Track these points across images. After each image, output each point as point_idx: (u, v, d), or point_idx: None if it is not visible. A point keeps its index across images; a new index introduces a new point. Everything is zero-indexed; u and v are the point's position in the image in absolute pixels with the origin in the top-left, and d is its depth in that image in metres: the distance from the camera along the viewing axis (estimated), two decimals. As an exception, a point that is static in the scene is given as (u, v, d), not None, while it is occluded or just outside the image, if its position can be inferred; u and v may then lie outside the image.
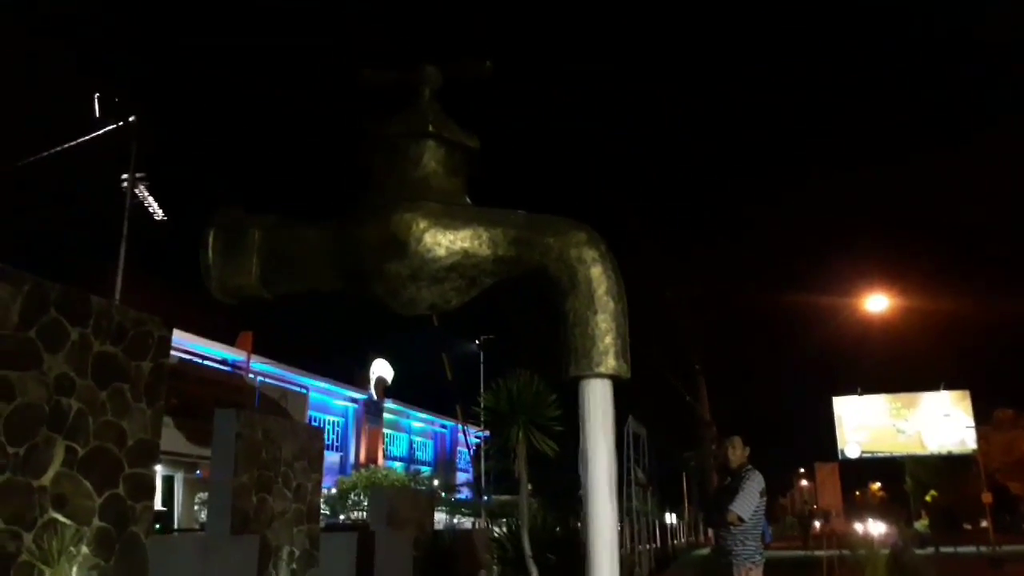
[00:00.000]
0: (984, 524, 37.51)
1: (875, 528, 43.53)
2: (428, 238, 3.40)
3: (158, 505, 13.59)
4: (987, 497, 34.28)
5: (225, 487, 5.19)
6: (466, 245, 3.45)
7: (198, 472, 13.71)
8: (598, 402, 3.41)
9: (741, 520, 5.22)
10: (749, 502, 5.27)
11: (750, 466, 5.50)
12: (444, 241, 3.42)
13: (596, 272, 3.47)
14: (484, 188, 3.83)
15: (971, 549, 36.58)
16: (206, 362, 14.34)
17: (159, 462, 13.40)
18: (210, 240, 3.83)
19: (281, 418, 7.21)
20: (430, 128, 3.55)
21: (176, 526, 14.28)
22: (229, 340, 21.62)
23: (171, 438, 12.24)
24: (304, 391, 14.23)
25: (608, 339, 3.42)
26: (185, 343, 16.47)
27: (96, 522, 4.08)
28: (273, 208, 4.00)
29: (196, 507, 15.11)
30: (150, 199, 16.30)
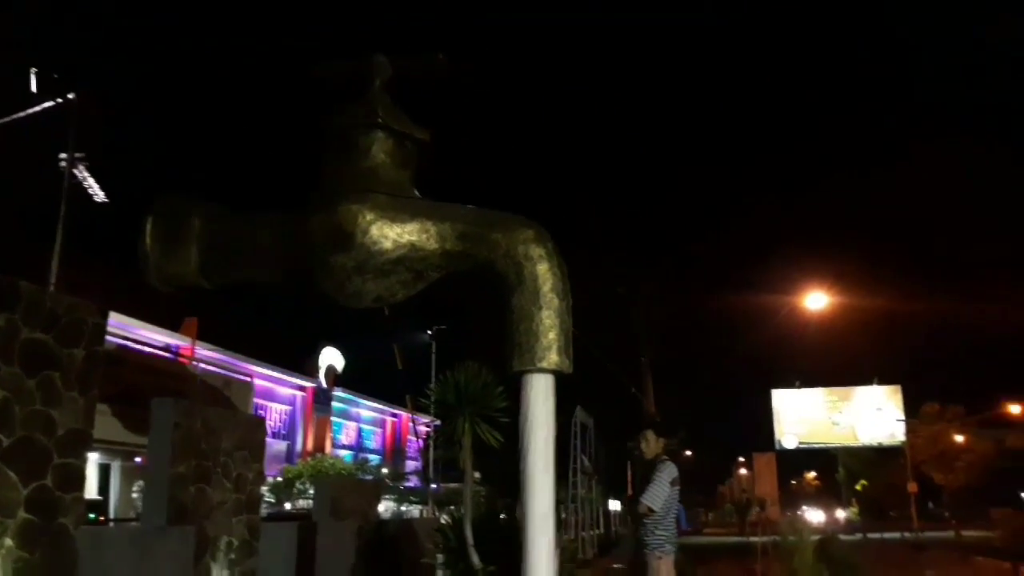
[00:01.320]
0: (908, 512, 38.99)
1: (813, 516, 44.89)
2: (375, 230, 3.38)
3: (93, 494, 13.29)
4: (912, 487, 35.67)
5: (162, 477, 5.08)
6: (413, 239, 3.44)
7: (137, 460, 13.37)
8: (540, 396, 3.45)
9: (652, 510, 5.32)
10: (659, 492, 5.36)
11: (664, 457, 5.61)
12: (391, 234, 3.40)
13: (542, 269, 3.49)
14: (435, 182, 3.81)
15: (896, 535, 38.08)
16: (147, 349, 13.99)
17: (93, 451, 13.05)
18: (148, 227, 3.75)
19: (222, 408, 7.09)
20: (379, 119, 3.52)
21: (112, 515, 13.92)
22: (173, 326, 21.12)
23: (108, 426, 11.92)
24: (248, 379, 14.04)
25: (552, 335, 3.46)
26: (127, 328, 16.04)
27: (22, 514, 3.96)
28: (219, 198, 3.93)
29: (134, 495, 14.75)
30: (90, 180, 15.76)
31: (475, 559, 6.38)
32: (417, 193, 3.65)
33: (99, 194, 15.83)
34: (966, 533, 33.16)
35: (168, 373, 12.45)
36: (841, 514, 49.32)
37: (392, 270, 3.50)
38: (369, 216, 3.38)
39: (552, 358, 3.44)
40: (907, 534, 36.68)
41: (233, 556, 5.76)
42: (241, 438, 5.96)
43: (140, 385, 10.48)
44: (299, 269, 3.61)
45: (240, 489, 5.88)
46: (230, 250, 3.75)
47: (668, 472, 5.52)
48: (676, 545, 5.57)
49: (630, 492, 6.01)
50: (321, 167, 3.59)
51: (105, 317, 4.73)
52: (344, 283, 3.51)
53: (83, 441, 4.48)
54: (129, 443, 10.44)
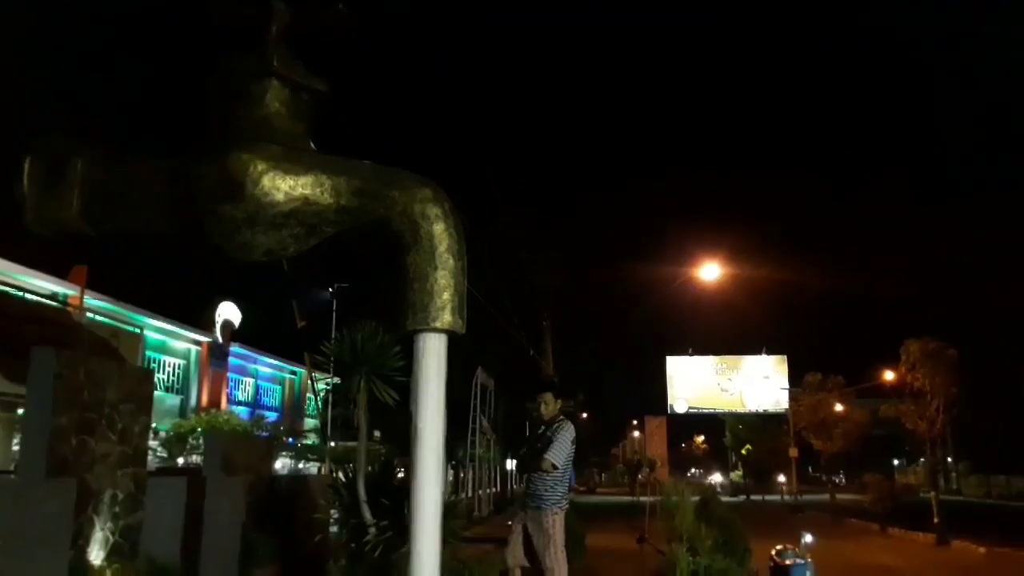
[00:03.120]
0: (783, 477, 41.35)
1: (712, 478, 46.87)
2: (266, 181, 3.32)
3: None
4: (793, 452, 37.89)
5: (41, 429, 4.90)
6: (307, 192, 3.40)
7: (19, 412, 12.73)
8: (432, 355, 3.51)
9: (555, 467, 5.54)
10: (562, 450, 5.60)
11: (562, 417, 5.83)
12: (283, 186, 3.35)
13: (439, 229, 3.52)
14: (331, 137, 3.77)
15: (777, 498, 40.43)
16: (32, 296, 13.24)
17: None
18: (26, 168, 3.57)
19: (107, 359, 6.84)
20: (274, 66, 3.44)
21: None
22: (62, 274, 20.02)
23: (-18, 374, 11.32)
24: (139, 331, 13.43)
25: (446, 295, 3.51)
26: (11, 274, 15.13)
27: None
28: (104, 141, 3.77)
29: (15, 448, 14.07)
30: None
31: (367, 515, 6.44)
32: (313, 146, 3.61)
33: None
34: (841, 496, 35.55)
35: (53, 322, 11.87)
36: (719, 478, 51.76)
37: (284, 223, 3.46)
38: (261, 166, 3.32)
39: (446, 318, 3.49)
40: (787, 497, 39.01)
41: (118, 510, 5.65)
42: (128, 390, 5.80)
43: (22, 334, 9.98)
44: (187, 218, 3.52)
45: (126, 442, 5.74)
46: (114, 195, 3.62)
47: (570, 431, 5.73)
48: (569, 502, 5.81)
49: (523, 450, 6.21)
50: (211, 114, 3.49)
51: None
52: (233, 234, 3.45)
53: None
54: (9, 393, 9.94)
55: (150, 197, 3.57)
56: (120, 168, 3.62)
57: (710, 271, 19.00)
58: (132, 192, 3.61)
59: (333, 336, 7.16)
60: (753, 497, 40.81)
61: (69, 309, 14.53)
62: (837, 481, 36.76)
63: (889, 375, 27.53)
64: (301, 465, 28.97)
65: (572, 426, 5.77)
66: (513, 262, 21.53)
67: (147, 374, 6.89)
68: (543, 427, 5.78)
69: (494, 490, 29.03)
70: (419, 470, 3.41)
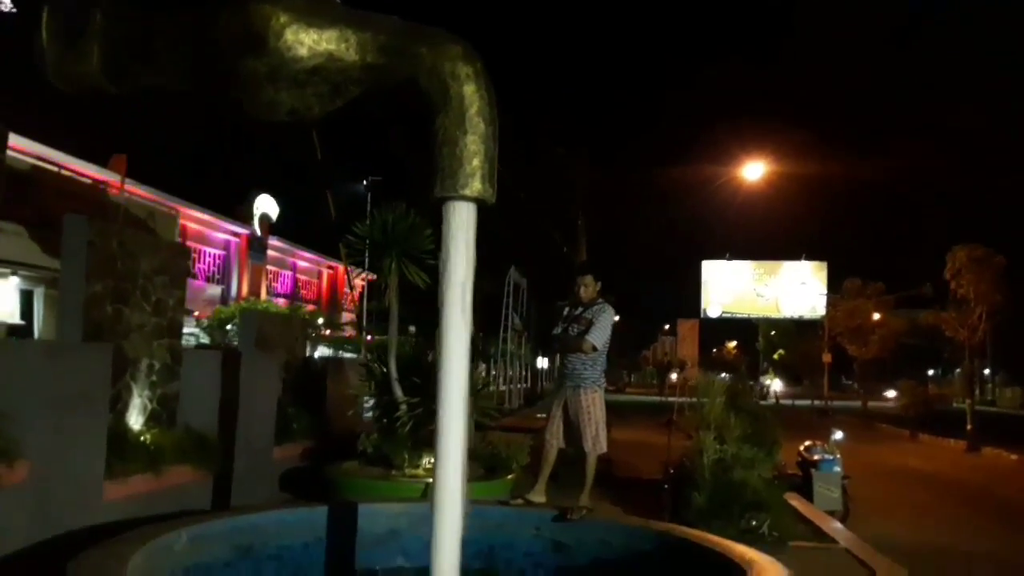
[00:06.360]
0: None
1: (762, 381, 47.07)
2: (289, 35, 3.17)
3: (16, 319, 13.04)
4: (827, 357, 37.79)
5: (76, 295, 4.96)
6: (331, 47, 3.24)
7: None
8: (461, 224, 3.40)
9: (595, 349, 5.52)
10: (603, 332, 5.56)
11: (601, 300, 5.75)
12: (307, 40, 3.19)
13: (469, 90, 3.35)
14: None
15: (807, 403, 40.68)
16: (68, 174, 13.32)
17: (13, 275, 12.63)
18: (44, 19, 3.45)
19: (140, 232, 6.87)
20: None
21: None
22: (102, 162, 20.17)
23: (28, 250, 11.59)
24: (174, 212, 13.47)
25: (476, 161, 3.37)
26: (51, 158, 15.23)
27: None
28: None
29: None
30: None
31: (399, 392, 6.56)
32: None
33: (5, 3, 14.51)
34: (872, 404, 35.62)
35: (89, 200, 11.99)
36: (779, 385, 51.65)
37: (307, 81, 3.32)
38: (283, 18, 3.16)
39: (475, 185, 3.36)
40: (817, 402, 39.22)
41: (155, 379, 5.78)
42: (161, 263, 5.83)
43: (59, 210, 10.11)
44: (209, 75, 3.40)
45: (160, 313, 5.82)
46: (134, 50, 3.49)
47: (610, 314, 5.67)
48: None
49: (557, 328, 6.14)
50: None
51: (5, 125, 4.45)
52: (256, 92, 3.32)
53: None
54: (52, 268, 10.17)
55: (171, 51, 3.44)
56: (139, 20, 3.48)
57: (754, 170, 18.48)
58: (152, 46, 3.48)
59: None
60: (783, 402, 41.09)
61: (110, 188, 14.62)
62: (866, 392, 36.68)
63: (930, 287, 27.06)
64: (339, 354, 29.68)
65: (612, 309, 5.71)
66: (550, 157, 21.14)
67: (182, 248, 6.94)
68: (580, 308, 5.71)
69: (525, 386, 29.59)
70: (446, 339, 3.37)
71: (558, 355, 6.82)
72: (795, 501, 7.70)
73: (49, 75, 3.54)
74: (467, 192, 3.34)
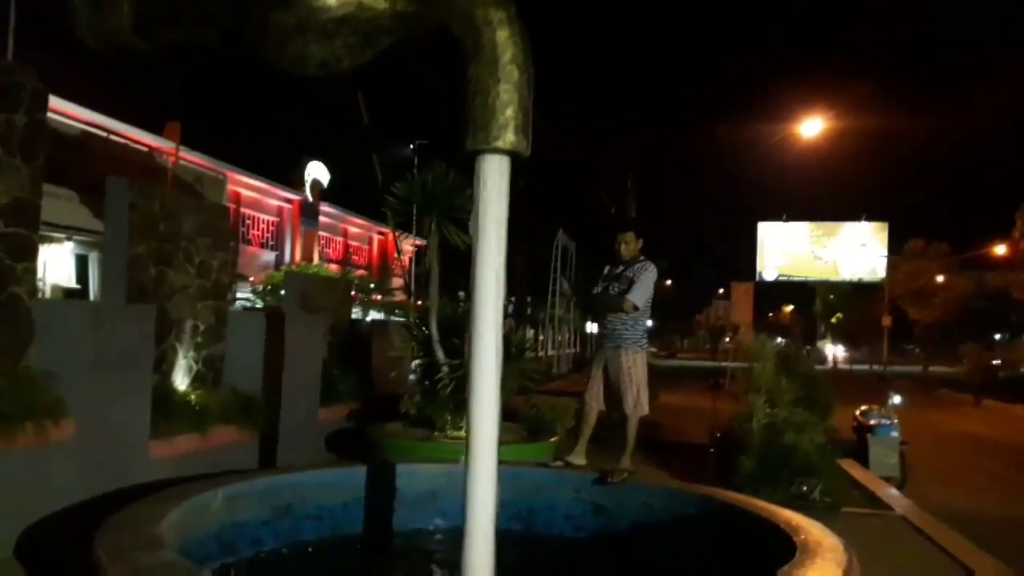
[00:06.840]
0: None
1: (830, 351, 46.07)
2: (315, -19, 3.07)
3: (72, 283, 13.44)
4: (887, 320, 36.77)
5: (119, 256, 5.01)
6: (358, -6, 3.13)
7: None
8: (494, 178, 3.26)
9: (636, 308, 5.37)
10: (644, 292, 5.41)
11: (643, 258, 5.58)
12: (333, -13, 3.09)
13: (502, 36, 3.20)
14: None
15: (865, 368, 39.75)
16: (121, 140, 13.55)
17: (69, 240, 12.93)
18: (73, -26, 3.41)
19: (181, 193, 6.91)
20: None
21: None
22: (155, 130, 20.59)
23: (82, 215, 11.88)
24: (222, 176, 13.56)
25: (509, 112, 3.22)
26: (106, 124, 15.54)
27: (-28, 280, 3.91)
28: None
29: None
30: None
31: (440, 354, 6.52)
32: (365, -57, 3.28)
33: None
34: (934, 369, 34.60)
35: (137, 164, 12.17)
36: (840, 351, 50.58)
37: (336, 31, 3.21)
38: (308, -36, 3.05)
39: (508, 137, 3.21)
40: (876, 367, 38.29)
41: (200, 340, 5.84)
42: (204, 225, 5.86)
43: (112, 174, 10.30)
44: (237, 28, 3.32)
45: (204, 275, 5.86)
46: (165, 5, 3.44)
47: (652, 272, 5.51)
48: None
49: (598, 287, 6.02)
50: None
51: (45, 84, 4.46)
52: (285, 44, 3.24)
53: (30, 212, 4.36)
54: (100, 231, 10.38)
55: (199, 4, 3.38)
56: (166, -28, 3.41)
57: (812, 126, 17.82)
58: (181, 1, 3.42)
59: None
60: (841, 367, 40.25)
61: (164, 154, 14.83)
62: (928, 357, 35.59)
63: (1000, 248, 25.94)
64: (390, 318, 30.02)
65: (654, 267, 5.54)
66: (600, 119, 20.76)
67: (224, 209, 6.96)
68: (622, 266, 5.56)
69: (574, 350, 29.52)
70: (477, 297, 3.26)
71: (598, 316, 6.70)
72: (850, 467, 7.47)
73: (80, 32, 3.50)
74: (500, 144, 3.20)
